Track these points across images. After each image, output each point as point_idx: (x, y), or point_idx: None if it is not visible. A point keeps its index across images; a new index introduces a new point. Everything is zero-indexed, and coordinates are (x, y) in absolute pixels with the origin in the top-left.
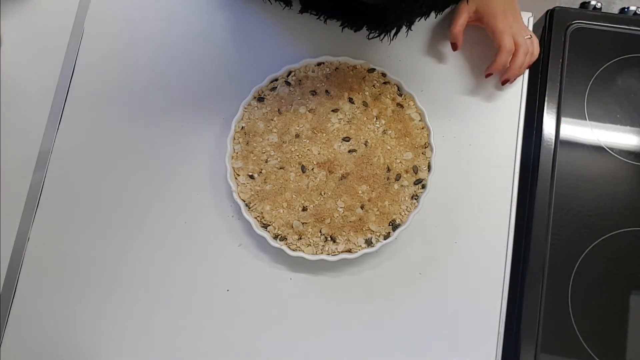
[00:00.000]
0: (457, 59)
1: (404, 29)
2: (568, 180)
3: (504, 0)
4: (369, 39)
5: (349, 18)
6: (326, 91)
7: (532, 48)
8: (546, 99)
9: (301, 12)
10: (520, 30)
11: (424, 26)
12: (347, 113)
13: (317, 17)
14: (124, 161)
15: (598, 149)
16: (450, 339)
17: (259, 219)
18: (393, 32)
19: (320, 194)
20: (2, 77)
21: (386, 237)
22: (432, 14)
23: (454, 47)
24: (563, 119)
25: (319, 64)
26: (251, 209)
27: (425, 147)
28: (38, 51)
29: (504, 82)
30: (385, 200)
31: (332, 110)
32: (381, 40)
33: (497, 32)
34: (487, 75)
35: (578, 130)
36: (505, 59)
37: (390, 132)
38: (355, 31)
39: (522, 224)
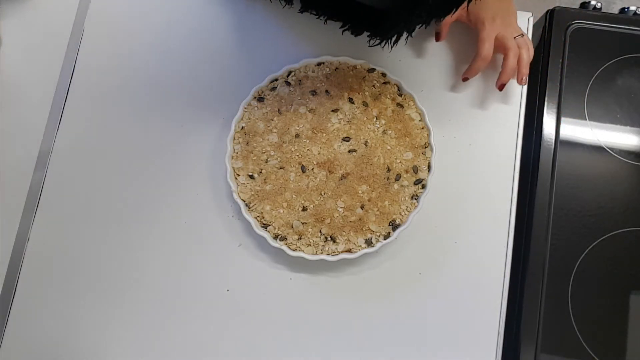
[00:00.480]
0: (458, 60)
1: (404, 35)
2: (568, 180)
3: (497, 6)
4: (369, 45)
5: (349, 20)
6: (326, 91)
7: (525, 46)
8: (546, 99)
9: (301, 11)
10: (510, 34)
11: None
12: (347, 113)
13: (317, 17)
14: (123, 161)
15: (598, 149)
16: (450, 339)
17: (259, 219)
18: (393, 39)
19: (320, 194)
20: (2, 77)
21: (386, 237)
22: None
23: (437, 37)
24: (563, 119)
25: (319, 64)
26: (251, 209)
27: (425, 147)
28: (38, 51)
29: (501, 87)
30: (385, 200)
31: (332, 110)
32: (382, 47)
33: (480, 39)
34: (464, 79)
35: (578, 130)
36: (479, 65)
37: (390, 132)
38: (355, 36)
39: (522, 224)
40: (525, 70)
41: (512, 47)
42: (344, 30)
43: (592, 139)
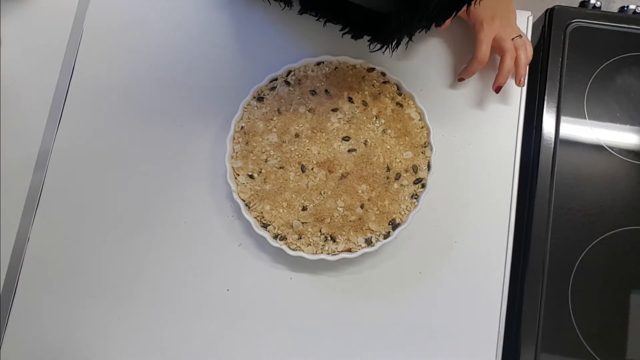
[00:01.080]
0: (457, 59)
1: (404, 39)
2: (568, 179)
3: (497, 6)
4: (370, 51)
5: (348, 23)
6: (326, 91)
7: (522, 47)
8: (546, 98)
9: (301, 13)
10: (508, 35)
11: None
12: (346, 112)
13: (316, 19)
14: (123, 161)
15: (598, 148)
16: (450, 339)
17: (258, 218)
18: (394, 43)
19: (320, 193)
20: (2, 77)
21: (386, 236)
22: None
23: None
24: (563, 118)
25: (318, 64)
26: (251, 208)
27: (425, 147)
28: (38, 51)
29: (497, 89)
30: (385, 199)
31: (332, 110)
32: (383, 52)
33: (477, 40)
34: (460, 80)
35: (578, 129)
36: (475, 67)
37: (389, 131)
38: (355, 40)
39: (522, 223)
40: (523, 71)
41: (509, 50)
42: (343, 34)
43: (591, 138)
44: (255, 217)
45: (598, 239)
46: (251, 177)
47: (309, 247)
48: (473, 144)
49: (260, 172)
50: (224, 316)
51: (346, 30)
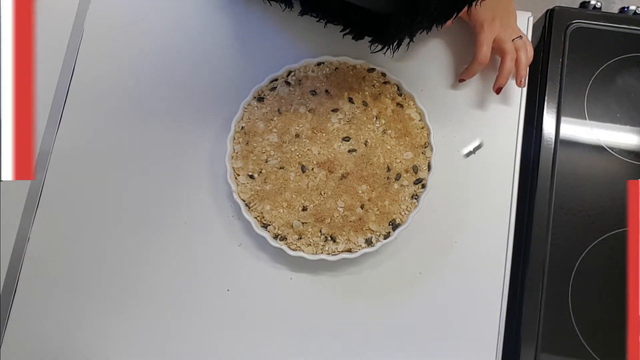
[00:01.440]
0: (458, 60)
1: (405, 40)
2: (568, 180)
3: (497, 7)
4: (371, 52)
5: (349, 24)
6: (326, 91)
7: (523, 48)
8: (546, 98)
9: (301, 14)
10: (508, 36)
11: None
12: (347, 113)
13: (317, 20)
14: (123, 161)
15: (598, 149)
16: (450, 339)
17: (259, 218)
18: (395, 44)
19: (320, 193)
20: None
21: (386, 236)
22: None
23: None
24: (563, 119)
25: (318, 64)
26: (251, 208)
27: (425, 147)
28: (38, 51)
29: (497, 90)
30: (385, 199)
31: (332, 110)
32: (384, 53)
33: (477, 42)
34: (460, 81)
35: (578, 130)
36: (476, 69)
37: (390, 131)
38: (356, 40)
39: (522, 224)
40: (524, 72)
41: (510, 51)
42: (344, 35)
43: (592, 139)
44: (256, 217)
45: (598, 240)
46: (251, 177)
47: (309, 247)
48: (474, 144)
49: (261, 172)
50: (224, 316)
51: (347, 31)
